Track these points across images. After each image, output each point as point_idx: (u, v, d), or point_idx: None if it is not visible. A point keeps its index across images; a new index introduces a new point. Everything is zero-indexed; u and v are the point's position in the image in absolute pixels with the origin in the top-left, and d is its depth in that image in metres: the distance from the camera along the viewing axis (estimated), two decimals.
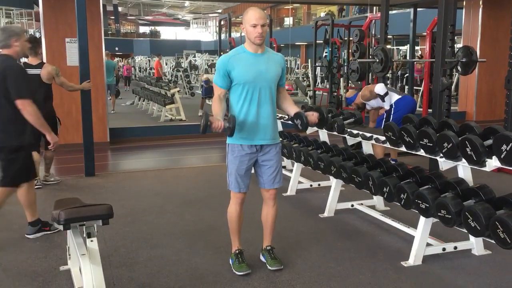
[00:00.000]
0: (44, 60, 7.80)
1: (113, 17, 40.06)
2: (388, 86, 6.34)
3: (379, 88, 5.90)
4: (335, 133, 4.46)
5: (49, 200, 4.77)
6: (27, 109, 3.53)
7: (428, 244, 3.44)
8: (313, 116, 3.16)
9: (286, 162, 6.07)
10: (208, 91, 12.09)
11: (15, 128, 3.61)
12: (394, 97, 5.89)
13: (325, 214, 4.42)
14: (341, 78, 10.09)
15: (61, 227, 2.62)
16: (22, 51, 3.78)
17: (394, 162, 4.00)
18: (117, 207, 4.39)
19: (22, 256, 3.55)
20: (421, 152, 3.38)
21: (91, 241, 2.63)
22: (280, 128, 5.64)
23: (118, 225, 4.09)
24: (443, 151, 3.10)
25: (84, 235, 2.67)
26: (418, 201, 3.25)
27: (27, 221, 3.95)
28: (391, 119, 5.76)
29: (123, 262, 3.42)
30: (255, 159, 3.16)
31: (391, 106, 5.86)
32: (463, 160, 2.99)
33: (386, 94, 5.88)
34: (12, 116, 3.57)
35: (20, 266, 3.39)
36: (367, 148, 4.32)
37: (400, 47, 19.69)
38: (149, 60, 27.24)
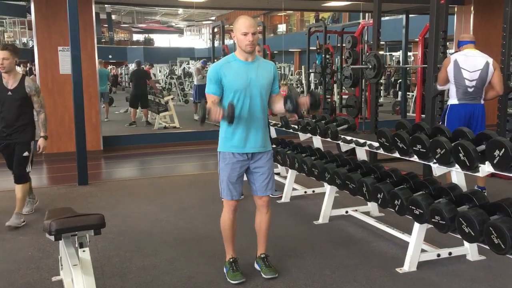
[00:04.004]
0: (37, 69, 7.82)
1: (107, 25, 40.09)
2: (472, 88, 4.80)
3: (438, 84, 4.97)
4: (328, 139, 4.46)
5: (42, 209, 4.74)
6: None
7: (422, 250, 3.44)
8: (304, 98, 3.09)
9: (280, 169, 6.06)
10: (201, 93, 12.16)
11: None
12: (452, 100, 4.94)
13: (320, 221, 4.41)
14: (334, 84, 10.12)
15: (52, 238, 2.59)
16: None
17: (480, 189, 3.48)
18: (110, 216, 4.38)
19: (13, 267, 3.51)
20: (415, 158, 3.38)
21: (83, 251, 2.60)
22: (274, 135, 5.64)
23: (111, 234, 4.06)
24: (436, 157, 3.10)
25: (76, 245, 2.64)
26: (412, 207, 3.25)
27: None
28: (445, 123, 4.91)
29: (116, 272, 3.39)
30: (247, 166, 3.15)
31: (446, 107, 5.03)
32: (456, 165, 3.00)
33: (442, 91, 5.02)
34: None
35: (11, 277, 3.35)
36: (361, 154, 4.32)
37: (393, 53, 19.81)
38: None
